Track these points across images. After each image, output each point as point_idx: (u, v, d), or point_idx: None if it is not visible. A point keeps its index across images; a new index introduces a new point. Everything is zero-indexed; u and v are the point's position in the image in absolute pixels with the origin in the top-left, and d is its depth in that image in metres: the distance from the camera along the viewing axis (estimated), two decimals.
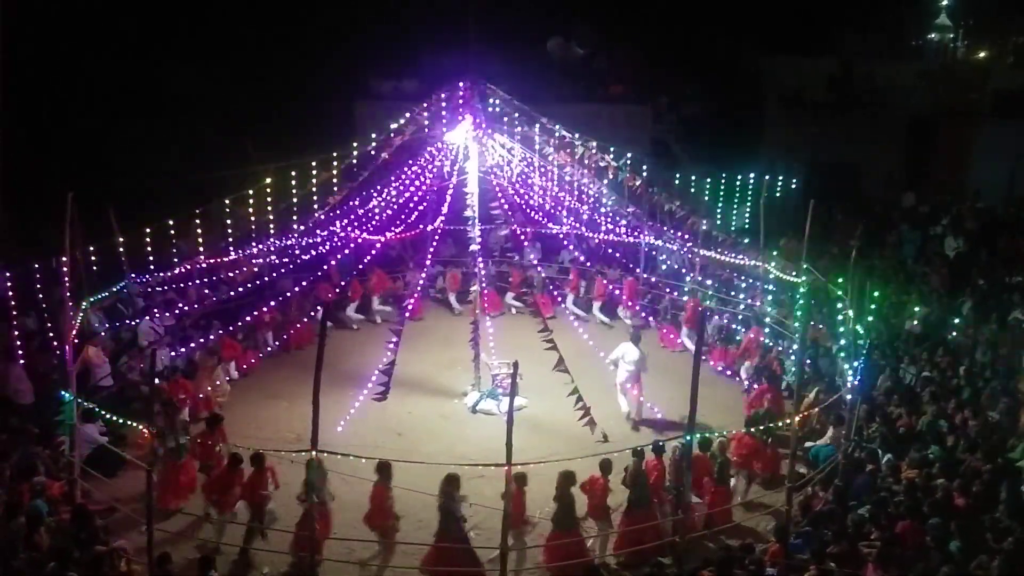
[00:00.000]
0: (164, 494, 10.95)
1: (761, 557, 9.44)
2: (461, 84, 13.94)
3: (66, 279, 11.27)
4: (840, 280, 15.03)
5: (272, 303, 15.98)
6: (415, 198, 16.45)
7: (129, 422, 11.49)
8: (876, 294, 14.95)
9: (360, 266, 16.85)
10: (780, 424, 11.75)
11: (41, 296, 13.87)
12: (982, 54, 28.67)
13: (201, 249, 16.12)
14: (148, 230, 14.96)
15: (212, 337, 14.82)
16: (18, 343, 13.33)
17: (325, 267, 16.88)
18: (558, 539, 10.11)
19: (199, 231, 16.26)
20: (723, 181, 20.93)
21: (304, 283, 16.81)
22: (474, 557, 9.98)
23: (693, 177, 20.56)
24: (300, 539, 9.81)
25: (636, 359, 13.82)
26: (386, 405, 13.28)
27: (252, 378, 15.65)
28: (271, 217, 16.60)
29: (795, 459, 11.19)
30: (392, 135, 14.92)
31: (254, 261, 16.92)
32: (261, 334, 16.56)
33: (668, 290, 18.57)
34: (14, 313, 13.46)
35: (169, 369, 13.56)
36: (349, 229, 16.46)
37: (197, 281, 16.91)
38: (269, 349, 16.34)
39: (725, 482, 11.23)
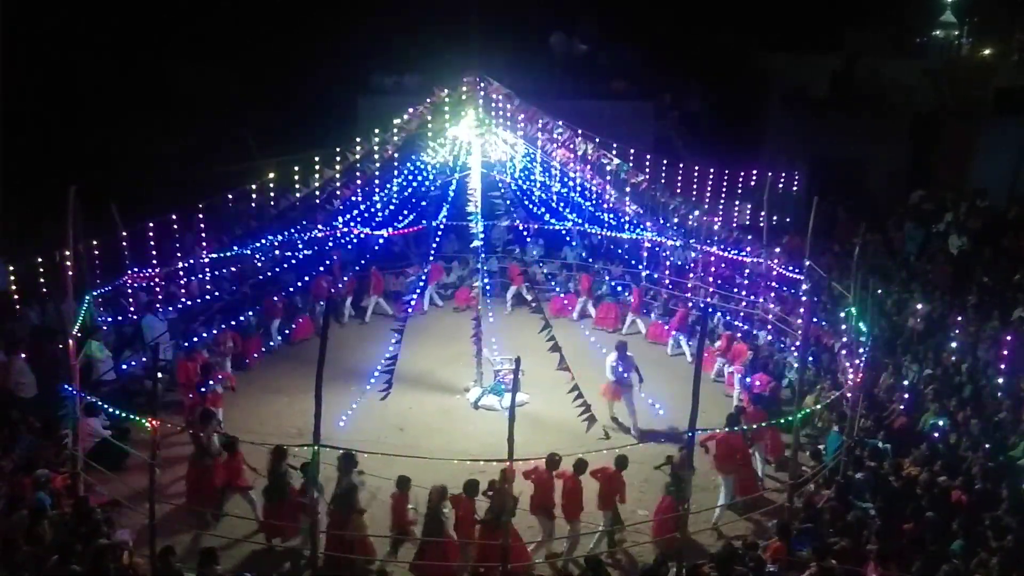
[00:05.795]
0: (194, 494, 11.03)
1: (762, 554, 9.45)
2: (464, 80, 13.92)
3: (69, 273, 11.27)
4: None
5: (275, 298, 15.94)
6: (418, 193, 16.43)
7: (133, 416, 11.49)
8: (879, 291, 14.90)
9: (363, 261, 16.79)
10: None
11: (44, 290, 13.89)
12: (987, 51, 28.51)
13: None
14: (151, 224, 14.96)
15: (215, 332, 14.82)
16: (20, 336, 13.35)
17: (328, 262, 16.86)
18: None
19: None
20: (726, 178, 20.88)
21: (306, 278, 16.80)
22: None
23: (696, 173, 20.51)
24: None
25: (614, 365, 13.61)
26: (388, 400, 13.31)
27: (254, 373, 15.66)
28: (273, 211, 16.58)
29: (796, 456, 11.20)
30: (395, 130, 14.88)
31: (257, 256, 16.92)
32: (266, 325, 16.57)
33: (670, 286, 18.58)
34: (17, 307, 13.48)
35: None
36: (352, 224, 16.45)
37: (199, 276, 16.91)
38: (272, 344, 16.39)
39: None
